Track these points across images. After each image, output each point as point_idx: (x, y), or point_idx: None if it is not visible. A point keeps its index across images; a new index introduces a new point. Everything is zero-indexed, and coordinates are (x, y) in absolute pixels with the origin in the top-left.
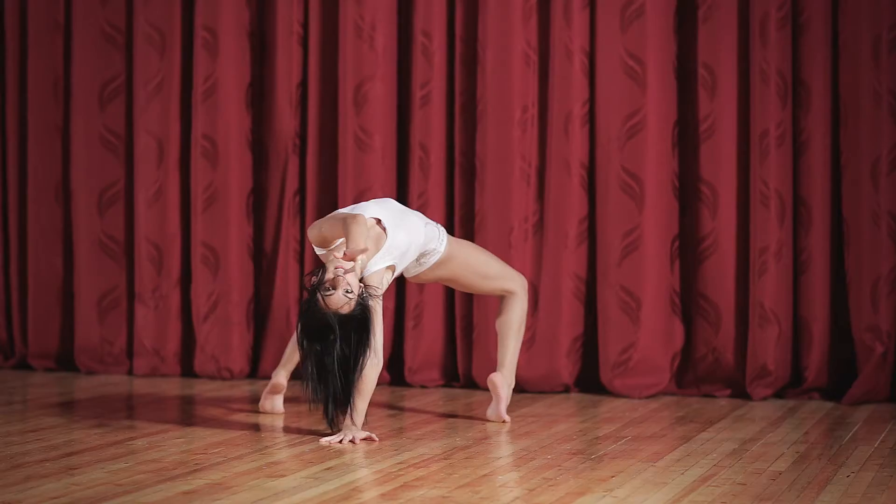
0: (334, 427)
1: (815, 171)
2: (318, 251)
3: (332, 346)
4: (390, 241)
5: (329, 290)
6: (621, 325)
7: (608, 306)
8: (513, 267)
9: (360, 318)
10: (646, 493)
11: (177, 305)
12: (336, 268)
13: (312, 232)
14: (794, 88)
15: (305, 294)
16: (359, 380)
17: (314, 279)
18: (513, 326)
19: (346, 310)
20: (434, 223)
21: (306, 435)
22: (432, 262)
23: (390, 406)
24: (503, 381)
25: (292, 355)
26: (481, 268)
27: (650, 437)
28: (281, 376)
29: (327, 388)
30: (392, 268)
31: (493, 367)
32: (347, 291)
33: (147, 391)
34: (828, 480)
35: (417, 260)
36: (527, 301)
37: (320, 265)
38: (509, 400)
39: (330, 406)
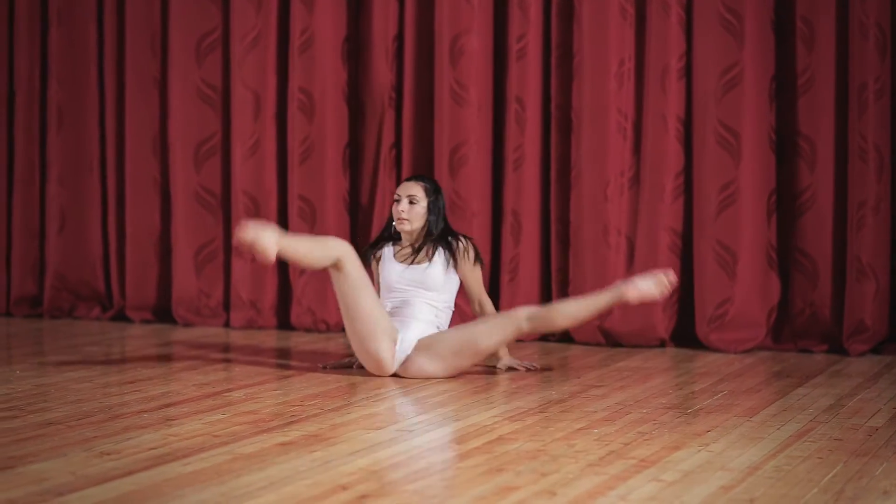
0: None
1: None
2: None
3: None
4: None
5: None
6: (718, 279)
7: (704, 261)
8: (607, 220)
9: None
10: (741, 448)
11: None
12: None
13: None
14: (892, 41)
15: None
16: None
17: None
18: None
19: None
20: None
21: (402, 388)
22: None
23: (485, 360)
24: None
25: None
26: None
27: (746, 391)
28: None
29: None
30: None
31: (589, 321)
32: None
33: (243, 343)
34: None
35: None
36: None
37: None
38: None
39: None
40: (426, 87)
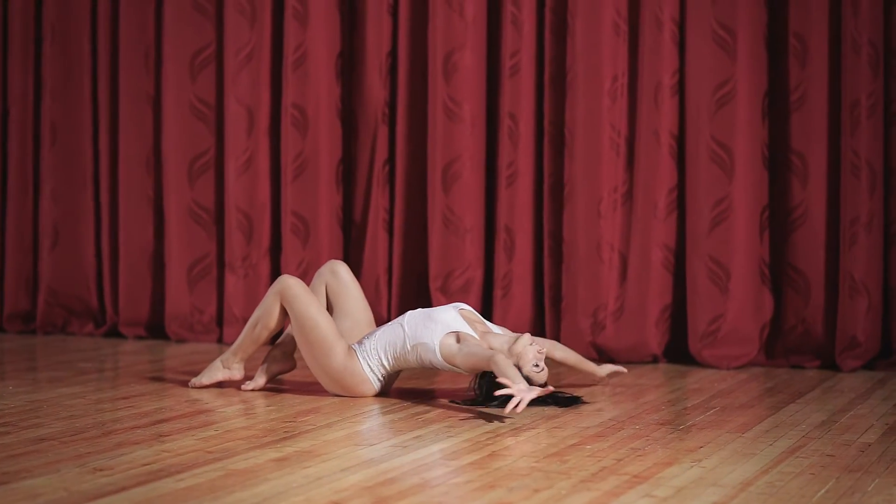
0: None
1: None
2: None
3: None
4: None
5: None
6: (710, 295)
7: (697, 277)
8: (600, 236)
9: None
10: (734, 464)
11: (266, 274)
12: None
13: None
14: (885, 58)
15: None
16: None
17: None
18: None
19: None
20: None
21: (395, 404)
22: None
23: None
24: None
25: (248, 344)
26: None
27: (738, 407)
28: (238, 370)
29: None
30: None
31: (582, 337)
32: (535, 365)
33: None
34: None
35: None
36: None
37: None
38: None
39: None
40: (419, 104)
